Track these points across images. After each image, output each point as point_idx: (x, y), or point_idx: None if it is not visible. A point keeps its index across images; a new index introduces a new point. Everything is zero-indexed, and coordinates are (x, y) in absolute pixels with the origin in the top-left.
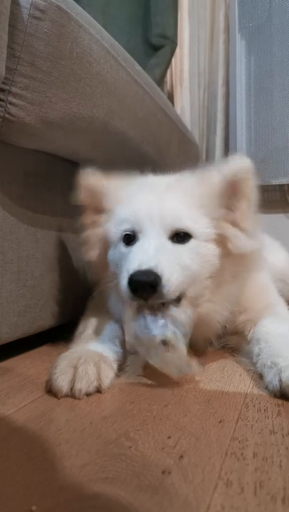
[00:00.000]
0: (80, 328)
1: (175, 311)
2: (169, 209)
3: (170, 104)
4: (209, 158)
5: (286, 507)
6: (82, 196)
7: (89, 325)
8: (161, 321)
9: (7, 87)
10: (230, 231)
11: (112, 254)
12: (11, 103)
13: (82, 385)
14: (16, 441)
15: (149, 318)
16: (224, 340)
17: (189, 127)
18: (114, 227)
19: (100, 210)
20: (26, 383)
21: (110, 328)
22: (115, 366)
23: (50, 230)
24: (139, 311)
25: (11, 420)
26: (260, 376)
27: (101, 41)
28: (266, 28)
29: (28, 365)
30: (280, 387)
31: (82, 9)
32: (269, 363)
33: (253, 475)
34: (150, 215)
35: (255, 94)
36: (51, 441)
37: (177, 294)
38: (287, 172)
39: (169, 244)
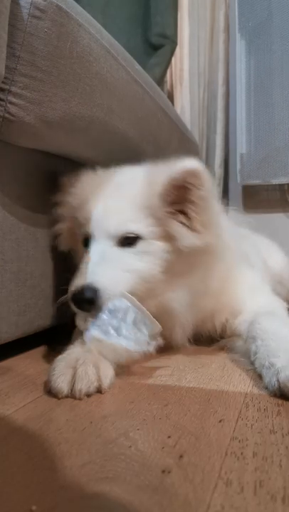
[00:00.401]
0: (78, 328)
1: (116, 305)
2: (113, 215)
3: (170, 103)
4: (209, 157)
5: (286, 506)
6: (58, 195)
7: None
8: (107, 322)
9: (7, 87)
10: (175, 230)
11: (77, 252)
12: (10, 102)
13: (83, 386)
14: (15, 441)
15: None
16: (224, 342)
17: (189, 127)
18: (77, 228)
19: (69, 205)
20: (26, 383)
21: None
22: (114, 366)
23: (50, 230)
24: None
25: (10, 420)
26: (260, 376)
27: (101, 41)
28: (266, 28)
29: (27, 364)
30: (279, 387)
31: (82, 9)
32: (267, 363)
33: (253, 474)
34: (97, 223)
35: (255, 93)
36: (51, 441)
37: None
38: (287, 171)
39: (116, 250)
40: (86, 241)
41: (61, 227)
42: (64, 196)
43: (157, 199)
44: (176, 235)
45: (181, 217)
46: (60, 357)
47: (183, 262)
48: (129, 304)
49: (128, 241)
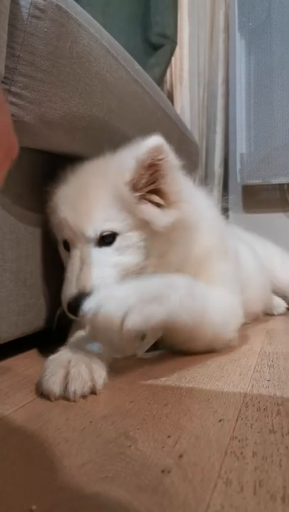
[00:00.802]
0: (73, 329)
1: None
2: (88, 218)
3: (170, 103)
4: (209, 157)
5: (286, 506)
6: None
7: (79, 326)
8: None
9: (7, 87)
10: (147, 214)
11: (60, 253)
12: (10, 102)
13: (77, 387)
14: (15, 441)
15: None
16: None
17: (189, 126)
18: (56, 231)
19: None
20: (26, 383)
21: None
22: (106, 366)
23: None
24: None
25: (10, 420)
26: None
27: (100, 40)
28: (266, 27)
29: (27, 364)
30: None
31: (81, 8)
32: None
33: (253, 474)
34: (72, 228)
35: (255, 93)
36: (51, 441)
37: None
38: (287, 171)
39: (97, 252)
40: (66, 245)
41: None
42: (47, 201)
43: (126, 188)
44: (149, 219)
45: (154, 197)
46: (51, 357)
47: (161, 242)
48: None
49: (106, 239)
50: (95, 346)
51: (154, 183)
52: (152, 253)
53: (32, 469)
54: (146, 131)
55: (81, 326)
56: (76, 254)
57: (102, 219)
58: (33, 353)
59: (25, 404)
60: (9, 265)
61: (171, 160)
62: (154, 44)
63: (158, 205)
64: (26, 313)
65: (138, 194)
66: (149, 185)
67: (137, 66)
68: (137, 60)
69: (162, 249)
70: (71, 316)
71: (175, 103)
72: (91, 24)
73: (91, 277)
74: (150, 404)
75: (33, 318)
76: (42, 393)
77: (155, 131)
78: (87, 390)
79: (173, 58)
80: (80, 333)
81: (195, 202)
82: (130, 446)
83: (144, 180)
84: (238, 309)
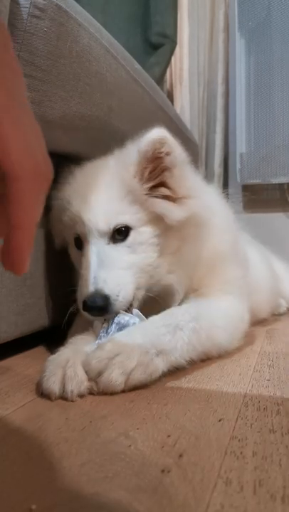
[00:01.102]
0: (72, 329)
1: (127, 321)
2: (102, 212)
3: (169, 103)
4: (209, 156)
5: (286, 506)
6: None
7: (78, 326)
8: (111, 334)
9: None
10: (159, 208)
11: (70, 252)
12: None
13: (73, 387)
14: (15, 440)
15: (103, 332)
16: None
17: (189, 126)
18: (66, 229)
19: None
20: (26, 382)
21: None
22: None
23: (48, 230)
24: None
25: (10, 419)
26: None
27: (100, 40)
28: (266, 27)
29: (27, 364)
30: None
31: (81, 8)
32: None
33: (253, 474)
34: (86, 223)
35: (255, 92)
36: (50, 441)
37: (128, 303)
38: (287, 171)
39: (111, 249)
40: (77, 242)
41: (54, 229)
42: (50, 200)
43: (134, 181)
44: (162, 212)
45: (163, 190)
46: (50, 358)
47: (174, 239)
48: (137, 322)
49: (119, 235)
50: (94, 347)
51: (159, 176)
52: (165, 251)
53: (32, 469)
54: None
55: (81, 326)
56: (91, 250)
57: (115, 212)
58: (32, 352)
59: (25, 403)
60: None
61: (177, 153)
62: (154, 44)
63: (168, 199)
64: (26, 313)
65: (146, 186)
66: (155, 178)
67: (137, 66)
68: (137, 60)
69: (175, 247)
70: (85, 315)
71: (175, 103)
72: (91, 24)
73: (109, 278)
74: (150, 403)
75: (33, 317)
76: (42, 393)
77: None
78: (83, 389)
79: (173, 58)
80: (79, 334)
81: (206, 198)
82: (130, 445)
83: (146, 173)
84: (245, 316)
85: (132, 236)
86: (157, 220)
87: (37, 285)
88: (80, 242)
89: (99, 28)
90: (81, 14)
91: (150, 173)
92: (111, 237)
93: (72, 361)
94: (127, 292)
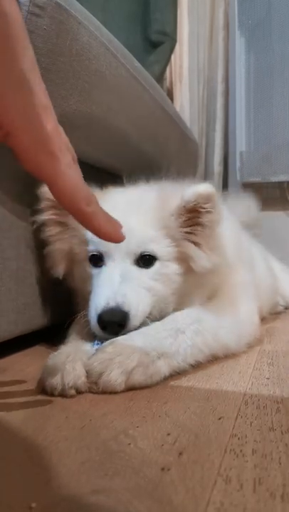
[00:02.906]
0: (72, 327)
1: None
2: (134, 233)
3: (169, 101)
4: (208, 155)
5: (285, 504)
6: (45, 209)
7: (79, 325)
8: None
9: None
10: (191, 251)
11: (78, 272)
12: None
13: (70, 380)
14: (14, 439)
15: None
16: None
17: (189, 124)
18: (79, 246)
19: (63, 224)
20: (26, 381)
21: None
22: None
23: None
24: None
25: (9, 417)
26: None
27: (100, 38)
28: (266, 25)
29: (27, 362)
30: None
31: (81, 6)
32: None
33: (252, 472)
34: None
35: (255, 91)
36: (50, 439)
37: (141, 322)
38: (287, 169)
39: (135, 269)
40: (95, 259)
41: (58, 247)
42: (55, 214)
43: (172, 220)
44: (193, 256)
45: (194, 238)
46: (52, 355)
47: (191, 282)
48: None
49: (144, 261)
50: (94, 345)
51: (193, 226)
52: (180, 291)
53: (31, 467)
54: (145, 130)
55: (81, 325)
56: (116, 268)
57: (148, 239)
58: (32, 351)
59: (25, 402)
60: (9, 264)
61: (217, 213)
62: (154, 42)
63: (197, 246)
64: (26, 312)
65: (182, 230)
66: (189, 226)
67: (137, 64)
68: (137, 58)
69: (189, 290)
70: (96, 330)
71: (175, 101)
72: (91, 22)
73: (131, 296)
74: (150, 402)
75: (33, 316)
76: (42, 391)
77: (155, 129)
78: (80, 383)
79: (172, 56)
80: (80, 333)
81: (228, 251)
82: (130, 444)
83: (183, 219)
84: (254, 319)
85: (157, 266)
86: (183, 260)
87: (37, 284)
88: (97, 260)
89: (99, 26)
90: (81, 12)
91: (187, 220)
92: (136, 261)
93: (72, 357)
94: (145, 309)
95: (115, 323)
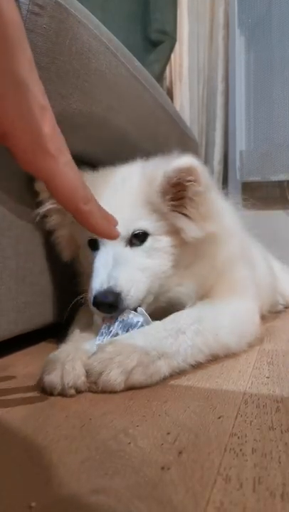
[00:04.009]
0: (72, 326)
1: (131, 318)
2: (122, 215)
3: (169, 100)
4: (208, 154)
5: (285, 503)
6: (44, 200)
7: (79, 324)
8: (113, 331)
9: None
10: (180, 222)
11: (82, 256)
12: None
13: (70, 379)
14: (14, 438)
15: (104, 329)
16: None
17: (188, 123)
18: (79, 232)
19: (63, 212)
20: (25, 380)
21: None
22: None
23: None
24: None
25: (9, 416)
26: None
27: (100, 37)
28: (266, 24)
29: (27, 361)
30: None
31: (81, 5)
32: None
33: (252, 471)
34: None
35: (255, 90)
36: (50, 438)
37: (138, 302)
38: (286, 168)
39: (128, 250)
40: (92, 243)
41: (61, 234)
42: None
43: (157, 195)
44: (182, 227)
45: (183, 209)
46: (51, 354)
47: (189, 254)
48: (141, 321)
49: (137, 239)
50: (94, 345)
51: (180, 199)
52: (179, 263)
53: (31, 466)
54: (145, 129)
55: (82, 324)
56: (108, 251)
57: (136, 217)
58: (32, 350)
59: (25, 401)
60: (8, 262)
61: (202, 186)
62: (154, 41)
63: (188, 217)
64: (26, 311)
65: (169, 203)
66: (177, 200)
67: (137, 63)
68: (137, 57)
69: (189, 261)
70: (93, 310)
71: (174, 100)
72: (90, 21)
73: (122, 277)
74: (149, 401)
75: (33, 315)
76: (42, 389)
77: (154, 128)
78: (80, 383)
79: (172, 55)
80: (80, 331)
81: (224, 219)
82: (130, 443)
83: (169, 195)
84: (255, 318)
85: (149, 241)
86: (175, 232)
87: (37, 282)
88: (95, 244)
89: (98, 25)
90: (81, 11)
91: (173, 195)
92: (128, 241)
93: (72, 356)
94: (139, 289)
95: (107, 304)
